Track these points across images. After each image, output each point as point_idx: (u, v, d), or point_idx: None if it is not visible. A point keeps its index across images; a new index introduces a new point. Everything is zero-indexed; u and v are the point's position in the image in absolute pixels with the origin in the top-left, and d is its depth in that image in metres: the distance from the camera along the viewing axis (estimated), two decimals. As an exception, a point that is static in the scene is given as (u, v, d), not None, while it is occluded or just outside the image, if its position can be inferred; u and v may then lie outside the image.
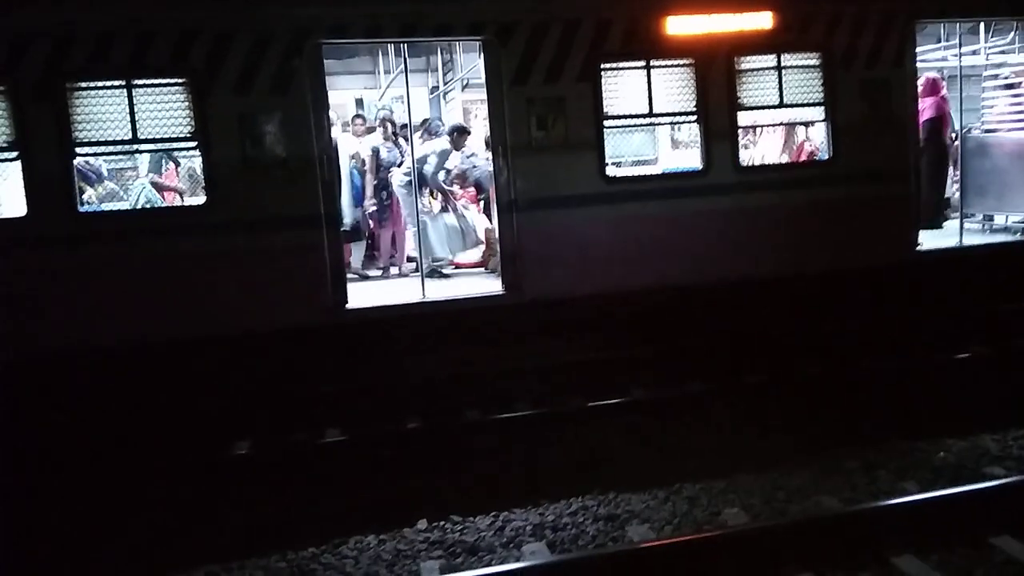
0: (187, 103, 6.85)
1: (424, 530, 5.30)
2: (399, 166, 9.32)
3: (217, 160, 6.90)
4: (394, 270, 9.51)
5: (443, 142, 9.43)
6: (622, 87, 7.63)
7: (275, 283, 6.99)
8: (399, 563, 4.91)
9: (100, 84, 6.70)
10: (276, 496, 5.90)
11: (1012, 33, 10.14)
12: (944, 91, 10.24)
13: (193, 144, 7.00)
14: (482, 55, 7.67)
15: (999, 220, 9.54)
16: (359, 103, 12.60)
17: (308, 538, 5.20)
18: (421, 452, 6.56)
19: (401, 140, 9.65)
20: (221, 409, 6.88)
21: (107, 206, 8.10)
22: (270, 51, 6.92)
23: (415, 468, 6.27)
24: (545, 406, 7.27)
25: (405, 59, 8.15)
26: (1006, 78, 10.15)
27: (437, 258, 8.96)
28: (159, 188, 8.70)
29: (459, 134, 9.71)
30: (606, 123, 7.59)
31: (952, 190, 10.33)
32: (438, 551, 4.99)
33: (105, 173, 8.60)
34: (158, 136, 6.88)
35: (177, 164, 9.17)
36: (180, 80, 6.83)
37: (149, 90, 6.80)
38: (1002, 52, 10.61)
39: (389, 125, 9.58)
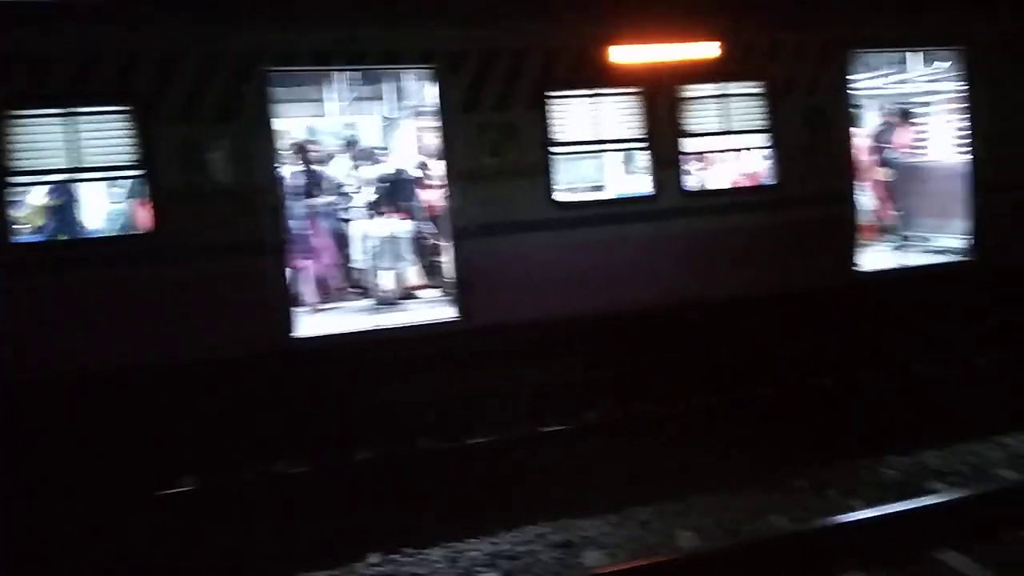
0: (131, 130, 6.72)
1: (375, 564, 5.21)
2: (311, 195, 9.09)
3: (162, 187, 6.77)
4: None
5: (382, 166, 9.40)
6: (570, 115, 7.73)
7: (223, 311, 6.85)
8: (349, 598, 4.81)
9: (38, 112, 6.55)
10: (220, 533, 5.74)
11: (946, 63, 10.55)
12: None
13: (139, 172, 6.86)
14: (433, 83, 7.71)
15: (935, 241, 9.86)
16: (310, 131, 12.52)
17: (253, 574, 5.07)
18: (372, 483, 6.47)
19: (318, 167, 9.52)
20: (165, 442, 6.69)
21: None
22: (216, 77, 6.85)
23: (366, 500, 6.18)
24: (499, 433, 7.24)
25: (355, 87, 8.15)
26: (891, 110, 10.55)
27: (384, 289, 8.84)
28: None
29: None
30: (555, 150, 7.67)
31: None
32: (390, 585, 4.91)
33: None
34: (101, 164, 6.74)
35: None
36: (124, 107, 6.71)
37: (91, 117, 6.65)
38: (932, 80, 11.05)
39: (301, 151, 9.32)
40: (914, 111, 11.49)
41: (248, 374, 6.94)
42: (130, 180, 7.74)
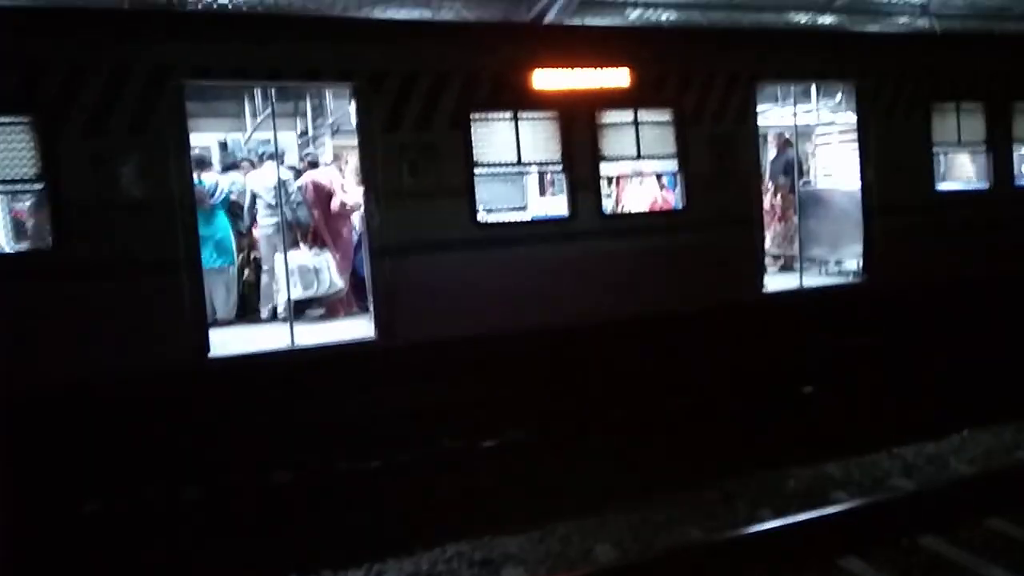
0: (32, 142, 6.44)
1: (293, 586, 5.11)
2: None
3: (67, 202, 6.50)
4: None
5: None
6: (492, 136, 7.85)
7: (131, 330, 6.60)
8: (267, 623, 4.70)
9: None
10: (131, 558, 5.52)
11: (839, 95, 11.21)
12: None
13: (39, 186, 6.57)
14: (353, 101, 7.69)
15: (833, 264, 10.43)
16: (223, 146, 12.22)
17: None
18: (289, 505, 6.35)
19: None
20: (70, 463, 6.37)
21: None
22: (128, 89, 6.64)
23: (283, 522, 6.06)
24: (418, 451, 7.22)
25: (272, 102, 8.04)
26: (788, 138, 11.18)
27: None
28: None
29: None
30: (477, 170, 7.75)
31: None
32: (309, 607, 4.82)
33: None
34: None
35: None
36: (24, 118, 6.42)
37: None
38: (832, 111, 11.72)
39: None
40: (814, 140, 12.18)
41: (158, 395, 6.69)
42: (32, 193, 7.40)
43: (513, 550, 5.40)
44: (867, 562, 4.81)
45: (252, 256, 9.39)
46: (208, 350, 6.95)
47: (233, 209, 9.30)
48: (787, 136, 11.27)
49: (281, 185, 8.43)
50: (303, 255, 8.76)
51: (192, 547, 5.74)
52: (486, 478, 6.71)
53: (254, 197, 9.22)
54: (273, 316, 8.96)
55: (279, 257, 8.59)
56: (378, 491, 6.60)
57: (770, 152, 11.78)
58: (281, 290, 8.54)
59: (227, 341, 7.51)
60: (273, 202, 8.96)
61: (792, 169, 10.68)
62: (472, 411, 7.61)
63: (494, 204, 10.13)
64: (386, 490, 6.61)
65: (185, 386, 6.76)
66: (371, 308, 7.93)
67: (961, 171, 11.89)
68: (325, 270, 8.84)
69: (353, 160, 9.45)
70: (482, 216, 8.19)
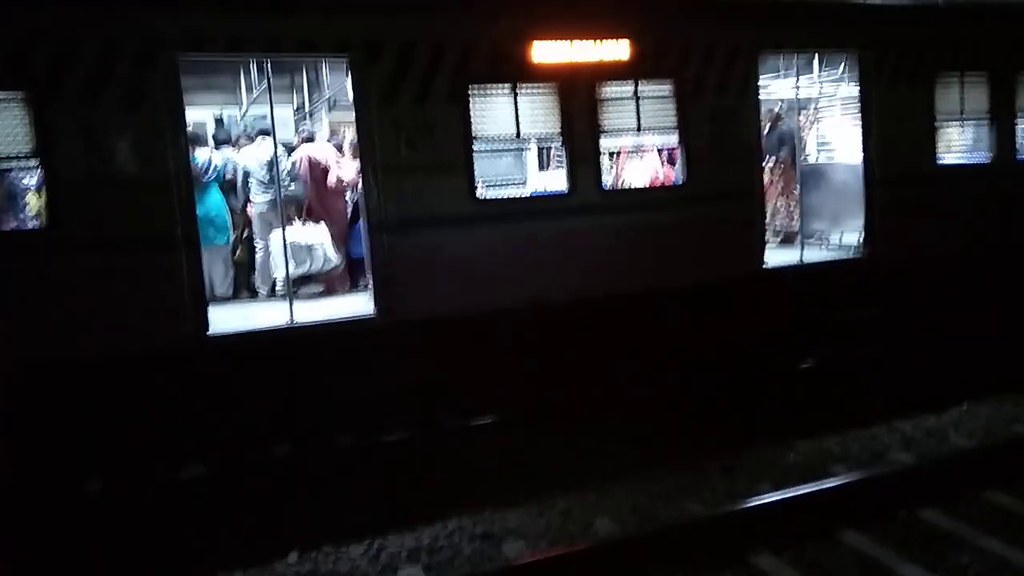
0: (26, 117, 6.37)
1: (294, 563, 5.14)
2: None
3: (61, 178, 6.45)
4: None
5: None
6: (490, 110, 7.76)
7: (129, 308, 6.58)
8: (269, 598, 4.73)
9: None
10: (134, 536, 5.55)
11: (841, 65, 11.11)
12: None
13: (34, 162, 6.52)
14: (349, 74, 7.59)
15: (834, 239, 10.38)
16: (219, 121, 12.11)
17: (169, 578, 4.92)
18: (291, 481, 6.37)
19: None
20: (69, 442, 6.38)
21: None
22: (121, 62, 6.56)
23: (285, 498, 6.08)
24: (419, 427, 7.24)
25: (268, 76, 7.94)
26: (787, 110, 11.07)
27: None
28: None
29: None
30: (475, 145, 7.68)
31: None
32: (310, 582, 4.85)
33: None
34: None
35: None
36: (17, 92, 6.35)
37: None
38: (834, 83, 11.61)
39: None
40: (816, 112, 12.07)
41: (158, 374, 6.69)
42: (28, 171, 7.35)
43: (514, 524, 5.43)
44: (866, 535, 4.83)
45: (244, 234, 9.33)
46: (208, 327, 6.93)
47: (227, 186, 9.23)
48: (778, 111, 11.18)
49: (276, 161, 8.35)
50: (296, 231, 8.70)
51: (193, 524, 5.76)
52: (486, 453, 6.73)
53: (246, 174, 9.14)
54: (272, 293, 8.93)
55: (274, 234, 8.56)
56: (379, 467, 6.62)
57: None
58: (279, 267, 8.50)
59: (225, 319, 7.49)
60: (265, 178, 8.91)
61: (786, 144, 10.59)
62: (471, 387, 7.61)
63: (493, 179, 10.06)
64: (387, 465, 6.64)
65: (185, 363, 6.76)
66: (370, 284, 7.89)
67: (963, 144, 11.80)
68: (319, 246, 8.78)
69: (351, 134, 9.35)
70: (481, 191, 8.12)
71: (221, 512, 5.91)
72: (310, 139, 9.48)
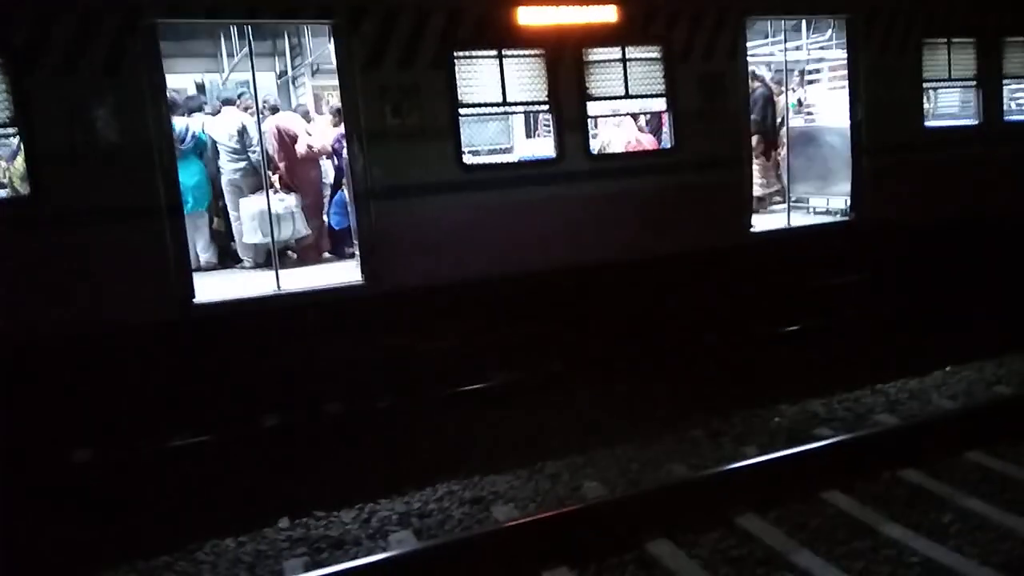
0: (3, 86, 6.25)
1: (286, 528, 5.17)
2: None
3: (41, 148, 6.35)
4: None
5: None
6: (476, 75, 7.67)
7: (114, 279, 6.52)
8: (260, 564, 4.76)
9: None
10: (123, 505, 5.57)
11: (829, 31, 11.04)
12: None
13: (11, 131, 6.41)
14: (332, 39, 7.47)
15: (820, 203, 10.41)
16: (200, 88, 11.93)
17: (160, 546, 4.94)
18: (281, 449, 6.39)
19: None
20: (60, 413, 6.37)
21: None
22: (100, 29, 6.42)
23: (275, 466, 6.11)
24: (408, 395, 7.27)
25: (250, 42, 7.81)
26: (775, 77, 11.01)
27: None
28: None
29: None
30: (461, 111, 7.60)
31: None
32: (302, 548, 4.88)
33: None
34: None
35: None
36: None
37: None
38: (821, 48, 11.55)
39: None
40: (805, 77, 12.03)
41: (144, 344, 6.66)
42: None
43: (502, 488, 5.48)
44: (850, 496, 4.90)
45: (220, 203, 9.26)
46: (193, 296, 6.90)
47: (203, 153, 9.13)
48: (754, 71, 11.12)
49: (255, 127, 8.24)
50: (263, 201, 8.60)
51: (183, 492, 5.79)
52: (475, 421, 6.77)
53: (215, 143, 9.03)
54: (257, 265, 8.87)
55: (243, 203, 8.52)
56: (368, 434, 6.65)
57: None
58: (246, 235, 8.47)
59: (210, 287, 7.45)
60: (233, 148, 8.83)
61: (760, 108, 10.54)
62: (459, 355, 7.63)
63: (480, 145, 9.99)
64: (376, 433, 6.67)
65: (171, 333, 6.73)
66: (357, 252, 7.86)
67: (951, 107, 11.81)
68: (288, 216, 8.72)
69: (334, 101, 9.24)
70: (468, 158, 8.06)
71: (210, 480, 5.93)
72: (275, 109, 9.39)
